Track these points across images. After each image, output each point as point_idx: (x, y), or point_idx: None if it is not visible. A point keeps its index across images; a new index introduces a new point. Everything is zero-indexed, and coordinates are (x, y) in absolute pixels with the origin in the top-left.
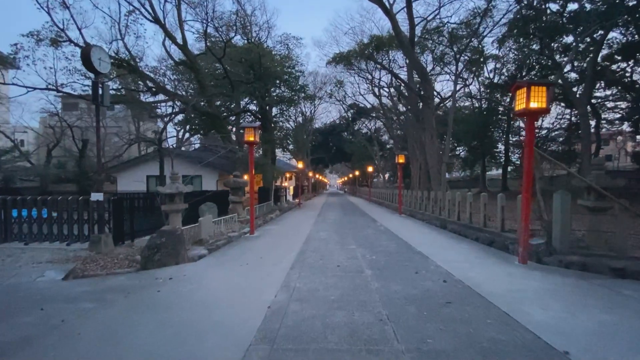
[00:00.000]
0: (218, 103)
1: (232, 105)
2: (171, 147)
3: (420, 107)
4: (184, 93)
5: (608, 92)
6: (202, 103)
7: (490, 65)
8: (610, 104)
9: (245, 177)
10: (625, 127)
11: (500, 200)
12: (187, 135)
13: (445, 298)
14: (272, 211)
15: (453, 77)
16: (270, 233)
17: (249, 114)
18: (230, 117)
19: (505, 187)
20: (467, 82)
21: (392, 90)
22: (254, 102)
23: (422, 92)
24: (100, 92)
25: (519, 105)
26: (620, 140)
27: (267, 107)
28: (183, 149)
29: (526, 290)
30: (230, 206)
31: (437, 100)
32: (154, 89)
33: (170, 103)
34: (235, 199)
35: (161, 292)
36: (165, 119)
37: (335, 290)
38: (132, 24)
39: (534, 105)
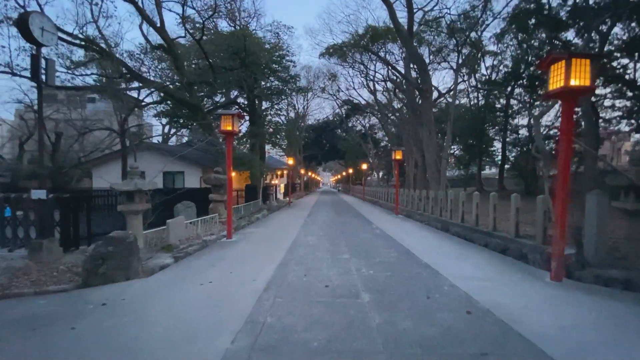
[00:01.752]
0: (202, 94)
1: (221, 99)
2: (148, 139)
3: (419, 101)
4: (166, 82)
5: (606, 90)
6: (184, 91)
7: (488, 61)
8: (607, 102)
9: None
10: (624, 126)
11: (515, 201)
12: (173, 130)
13: (476, 344)
14: (259, 211)
15: (453, 69)
16: (251, 237)
17: (236, 107)
18: (217, 111)
19: (501, 186)
20: (465, 79)
21: (388, 84)
22: (244, 95)
23: (420, 85)
24: (43, 68)
25: (555, 83)
26: (615, 139)
27: (256, 100)
28: (171, 143)
29: (583, 327)
30: (211, 205)
31: (435, 94)
32: (127, 75)
33: (151, 93)
34: (216, 197)
35: (77, 329)
36: (145, 109)
37: (320, 329)
38: (103, 1)
39: (574, 82)
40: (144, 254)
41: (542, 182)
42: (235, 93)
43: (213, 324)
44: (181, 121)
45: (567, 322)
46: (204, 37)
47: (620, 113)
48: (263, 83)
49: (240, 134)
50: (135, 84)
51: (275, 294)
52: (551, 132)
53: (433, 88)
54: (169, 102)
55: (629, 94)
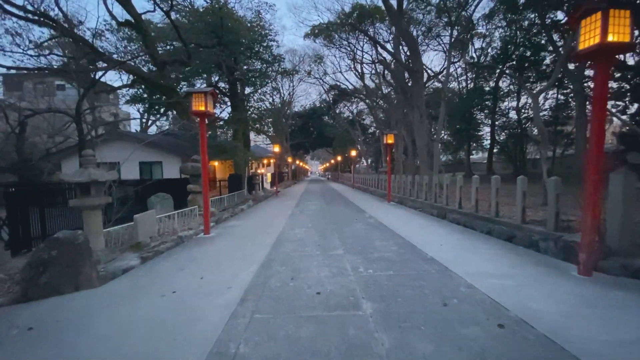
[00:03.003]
0: (180, 76)
1: (203, 85)
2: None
3: (409, 83)
4: (136, 63)
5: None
6: (158, 73)
7: (477, 44)
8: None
9: (216, 163)
10: (609, 107)
11: (522, 185)
12: (152, 119)
13: None
14: (244, 201)
15: (444, 52)
16: (232, 232)
17: (216, 91)
18: (187, 89)
19: (490, 170)
20: (455, 60)
21: (376, 67)
22: (225, 80)
23: (411, 66)
24: None
25: (587, 40)
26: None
27: (237, 83)
28: (151, 132)
29: None
30: (190, 197)
31: (424, 77)
32: (92, 56)
33: (120, 76)
34: (195, 188)
35: None
36: (113, 94)
37: None
38: None
39: (612, 39)
40: (105, 256)
41: (540, 165)
42: (217, 78)
43: (168, 356)
44: (157, 107)
45: (621, 334)
46: (178, 16)
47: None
48: (245, 66)
49: (221, 122)
50: (106, 68)
51: (254, 308)
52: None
53: (423, 70)
54: (141, 85)
55: (617, 74)
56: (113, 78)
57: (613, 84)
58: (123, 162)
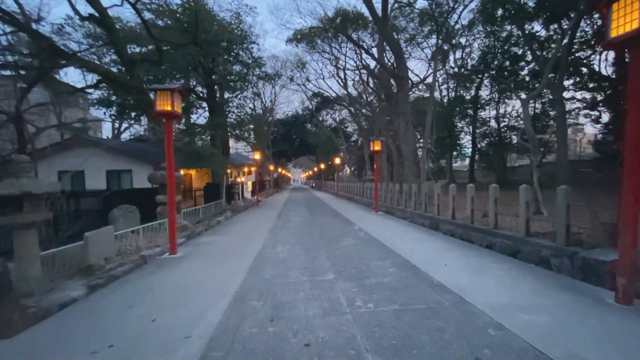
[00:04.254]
0: (152, 78)
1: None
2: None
3: (394, 89)
4: (102, 63)
5: (568, 82)
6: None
7: (458, 54)
8: (568, 94)
9: (182, 171)
10: (581, 117)
11: (525, 194)
12: (124, 124)
13: None
14: (222, 212)
15: (427, 60)
16: (204, 250)
17: (193, 96)
18: (152, 85)
19: (472, 178)
20: (439, 68)
21: (360, 73)
22: (204, 83)
23: (396, 72)
24: None
25: (620, 27)
26: (577, 130)
27: (216, 87)
28: (124, 139)
29: None
30: (159, 209)
31: (410, 83)
32: (48, 52)
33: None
34: (164, 199)
35: None
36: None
37: None
38: None
39: None
40: (40, 286)
41: (519, 172)
42: (194, 82)
43: None
44: (127, 112)
45: None
46: (152, 16)
47: (579, 105)
48: (222, 68)
49: (199, 128)
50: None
51: None
52: (516, 123)
53: (408, 76)
54: (107, 87)
55: (591, 85)
56: (78, 79)
57: (586, 95)
58: (74, 171)
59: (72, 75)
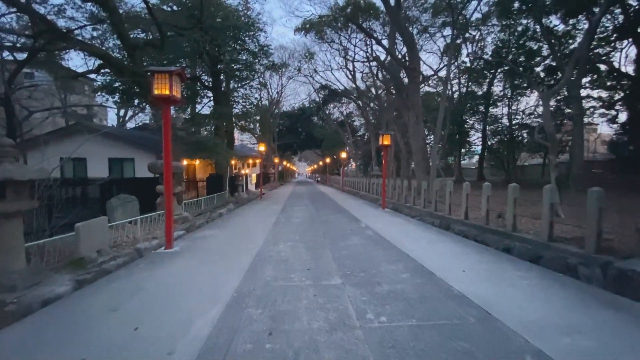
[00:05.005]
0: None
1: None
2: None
3: (405, 82)
4: (103, 46)
5: (585, 80)
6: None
7: (469, 48)
8: (583, 92)
9: (185, 161)
10: (596, 116)
11: (550, 195)
12: (130, 112)
13: None
14: (225, 205)
15: (440, 52)
16: (201, 245)
17: (198, 84)
18: (149, 68)
19: (481, 176)
20: (452, 62)
21: (370, 65)
22: (209, 70)
23: (408, 63)
24: None
25: None
26: (589, 130)
27: (221, 75)
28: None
29: None
30: (159, 199)
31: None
32: (48, 33)
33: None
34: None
35: None
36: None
37: None
38: None
39: None
40: (24, 280)
41: (549, 171)
42: (200, 71)
43: None
44: (130, 99)
45: None
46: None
47: (594, 104)
48: (228, 57)
49: (203, 119)
50: (63, 47)
51: None
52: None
53: (420, 68)
54: (108, 72)
55: (608, 83)
56: (81, 64)
57: (603, 94)
58: (66, 158)
59: (76, 61)
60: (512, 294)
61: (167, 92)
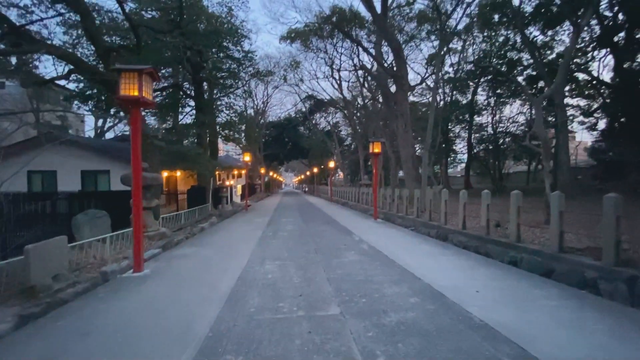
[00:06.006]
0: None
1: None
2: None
3: (393, 90)
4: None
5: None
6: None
7: (454, 59)
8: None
9: (166, 172)
10: (575, 124)
11: (558, 203)
12: (107, 121)
13: None
14: (207, 218)
15: (434, 48)
16: (176, 267)
17: (180, 93)
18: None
19: (468, 185)
20: (433, 72)
21: (357, 73)
22: (190, 77)
23: (395, 71)
24: None
25: None
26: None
27: (204, 83)
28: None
29: None
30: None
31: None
32: (11, 36)
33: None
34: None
35: None
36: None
37: None
38: None
39: None
40: None
41: (533, 178)
42: (181, 79)
43: None
44: (104, 107)
45: None
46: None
47: (572, 112)
48: (211, 65)
49: (184, 129)
50: (28, 50)
51: None
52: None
53: (408, 76)
54: (79, 77)
55: (587, 92)
56: (51, 71)
57: (581, 102)
58: (14, 174)
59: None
60: (541, 321)
61: (135, 92)
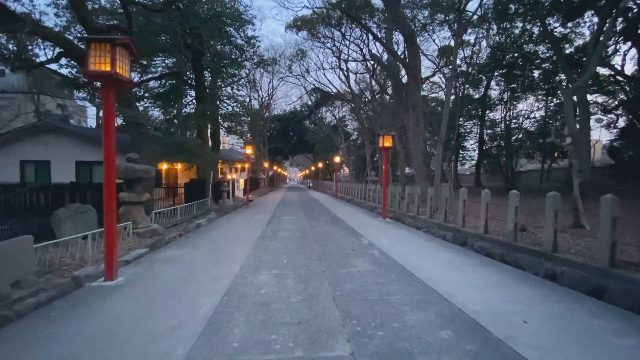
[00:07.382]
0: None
1: (162, 71)
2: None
3: (404, 81)
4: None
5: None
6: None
7: (466, 52)
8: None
9: (179, 165)
10: (592, 122)
11: (611, 207)
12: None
13: None
14: (205, 213)
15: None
16: (156, 274)
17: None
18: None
19: (478, 183)
20: (443, 65)
21: (367, 62)
22: (190, 65)
23: (407, 61)
24: None
25: None
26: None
27: (205, 72)
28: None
29: None
30: (122, 209)
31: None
32: None
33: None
34: (129, 197)
35: None
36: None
37: None
38: None
39: None
40: None
41: (547, 177)
42: (175, 67)
43: None
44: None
45: None
46: None
47: (590, 109)
48: (212, 51)
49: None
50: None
51: None
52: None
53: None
54: (69, 60)
55: (608, 88)
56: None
57: (598, 99)
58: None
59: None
60: None
61: (107, 67)
